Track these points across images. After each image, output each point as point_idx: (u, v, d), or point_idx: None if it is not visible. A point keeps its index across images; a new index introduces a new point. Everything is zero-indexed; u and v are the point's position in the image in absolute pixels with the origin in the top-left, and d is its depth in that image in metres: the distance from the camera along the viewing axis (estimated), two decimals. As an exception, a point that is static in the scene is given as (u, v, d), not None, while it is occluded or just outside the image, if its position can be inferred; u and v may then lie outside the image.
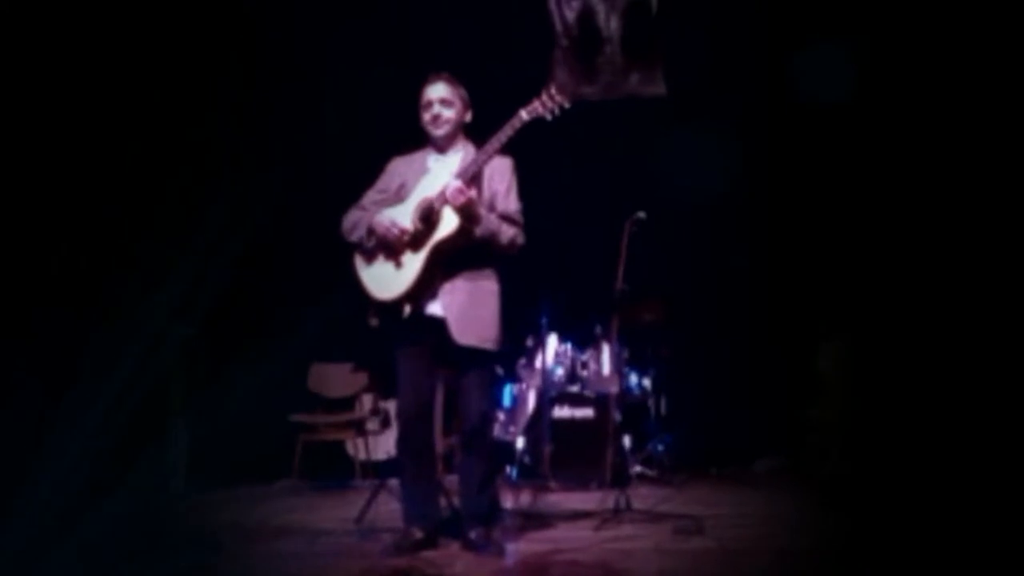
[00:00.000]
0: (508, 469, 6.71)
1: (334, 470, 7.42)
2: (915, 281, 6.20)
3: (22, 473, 4.85)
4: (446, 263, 4.28)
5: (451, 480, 5.11)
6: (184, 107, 6.88)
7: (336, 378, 7.59)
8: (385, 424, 7.64)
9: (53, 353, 5.60)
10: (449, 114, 4.41)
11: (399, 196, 4.42)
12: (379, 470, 7.08)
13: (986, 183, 5.92)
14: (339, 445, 7.60)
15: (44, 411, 5.37)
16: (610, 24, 7.98)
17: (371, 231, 4.35)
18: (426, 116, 4.42)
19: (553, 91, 4.19)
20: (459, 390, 4.39)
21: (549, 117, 4.20)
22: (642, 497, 5.61)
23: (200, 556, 4.40)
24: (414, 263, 4.27)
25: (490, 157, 4.24)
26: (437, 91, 4.41)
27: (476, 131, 4.46)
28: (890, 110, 6.61)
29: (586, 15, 8.01)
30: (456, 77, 4.47)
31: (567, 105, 4.20)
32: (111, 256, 6.30)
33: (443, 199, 4.20)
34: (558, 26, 8.03)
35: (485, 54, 7.10)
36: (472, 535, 4.32)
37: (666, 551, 4.30)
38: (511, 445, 6.84)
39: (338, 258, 4.55)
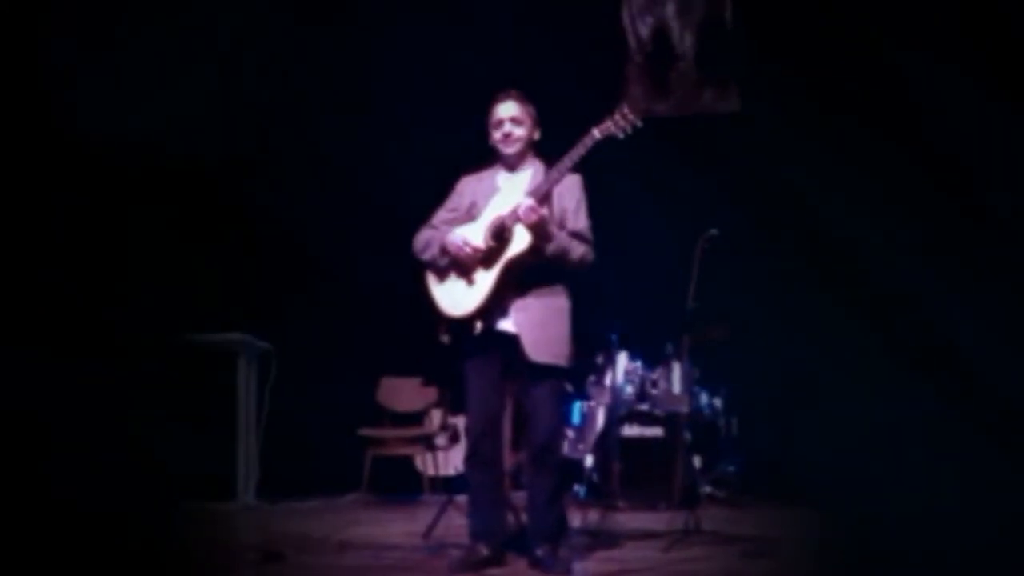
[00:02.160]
0: (576, 487, 6.68)
1: (403, 484, 7.44)
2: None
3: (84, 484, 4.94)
4: (517, 280, 4.26)
5: (519, 496, 5.09)
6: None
7: (405, 392, 7.61)
8: (454, 439, 7.64)
9: (119, 365, 5.70)
10: (520, 132, 4.39)
11: (470, 215, 4.41)
12: (448, 485, 7.08)
13: None
14: (408, 460, 7.62)
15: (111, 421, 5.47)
16: (684, 40, 7.94)
17: (444, 250, 4.35)
18: (496, 135, 4.40)
19: (626, 110, 4.16)
20: (528, 405, 4.36)
21: (621, 136, 4.17)
22: (712, 518, 5.53)
23: (266, 568, 4.43)
24: (486, 280, 4.26)
25: (562, 176, 4.21)
26: (508, 109, 4.39)
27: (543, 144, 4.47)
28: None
29: (660, 31, 7.99)
30: (525, 94, 4.46)
31: (640, 124, 4.16)
32: (178, 273, 6.42)
33: (515, 217, 4.19)
34: (632, 42, 8.02)
35: (552, 66, 7.07)
36: (539, 553, 4.28)
37: (735, 574, 4.24)
38: (580, 463, 6.81)
39: (409, 273, 4.56)
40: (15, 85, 5.53)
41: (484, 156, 4.54)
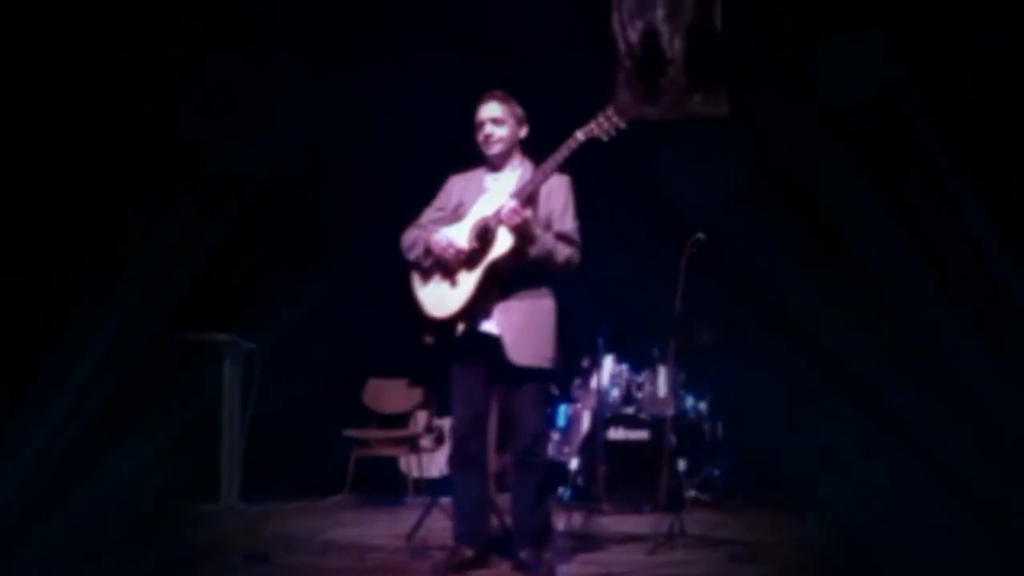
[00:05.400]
0: (561, 490, 6.67)
1: (387, 486, 7.42)
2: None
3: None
4: (501, 282, 4.26)
5: (503, 499, 5.08)
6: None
7: (391, 394, 7.61)
8: (439, 441, 7.63)
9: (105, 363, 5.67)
10: (501, 133, 4.39)
11: (457, 215, 4.41)
12: (432, 487, 7.07)
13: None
14: (393, 461, 7.61)
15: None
16: (673, 45, 7.94)
17: (428, 250, 4.35)
18: (479, 136, 4.41)
19: (610, 112, 4.18)
20: (513, 408, 4.35)
21: (605, 138, 4.18)
22: (697, 522, 5.53)
23: (249, 569, 4.41)
24: (469, 281, 4.25)
25: (546, 178, 4.23)
26: (488, 111, 4.40)
27: (533, 143, 4.45)
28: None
29: (650, 36, 7.98)
30: (510, 94, 4.45)
31: (623, 126, 4.17)
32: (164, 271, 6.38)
33: (498, 219, 4.19)
34: (622, 47, 8.01)
35: (543, 67, 7.06)
36: (523, 555, 4.27)
37: (720, 577, 4.25)
38: (565, 466, 6.80)
39: (396, 273, 4.55)
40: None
41: (474, 155, 4.53)
